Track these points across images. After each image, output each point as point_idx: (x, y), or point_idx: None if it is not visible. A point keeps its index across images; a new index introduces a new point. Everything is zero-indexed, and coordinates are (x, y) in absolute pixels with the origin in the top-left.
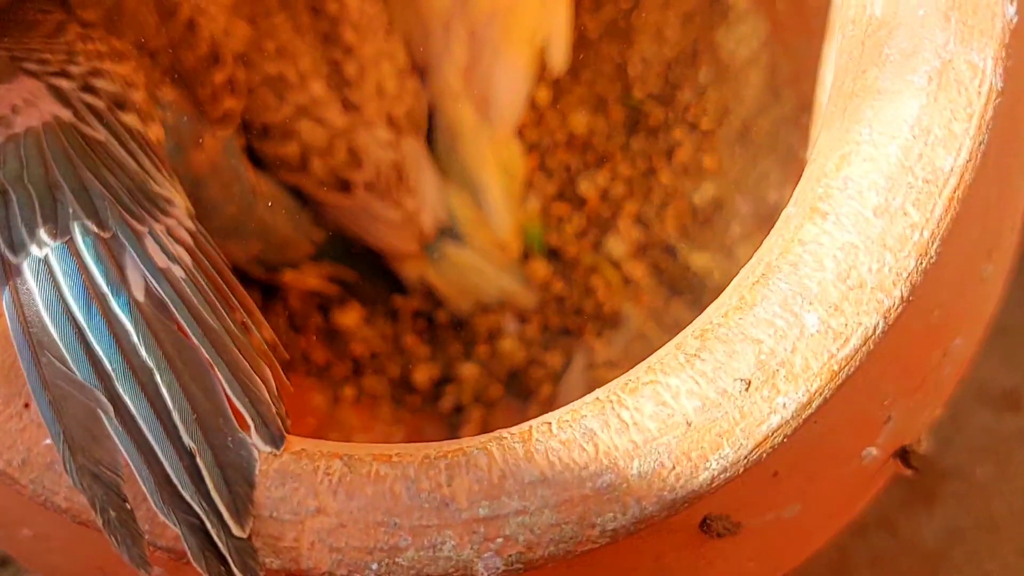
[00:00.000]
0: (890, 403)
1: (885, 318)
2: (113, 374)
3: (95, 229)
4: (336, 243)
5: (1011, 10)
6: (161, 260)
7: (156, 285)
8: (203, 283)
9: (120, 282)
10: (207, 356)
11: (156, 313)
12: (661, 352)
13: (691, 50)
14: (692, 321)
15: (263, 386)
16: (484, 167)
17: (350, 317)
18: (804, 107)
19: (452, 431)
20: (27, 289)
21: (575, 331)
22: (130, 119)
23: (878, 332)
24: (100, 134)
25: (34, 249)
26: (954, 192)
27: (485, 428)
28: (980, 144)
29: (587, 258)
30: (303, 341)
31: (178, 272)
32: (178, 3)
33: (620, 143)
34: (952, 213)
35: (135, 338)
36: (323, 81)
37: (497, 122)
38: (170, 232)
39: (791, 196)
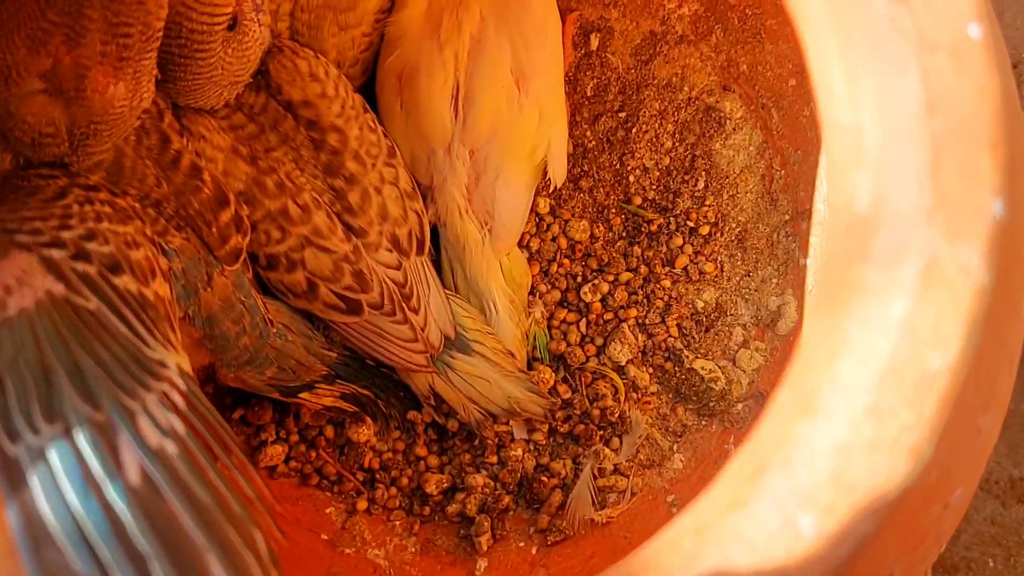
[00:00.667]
0: (892, 561)
1: (880, 523)
2: (112, 562)
3: (90, 412)
4: (349, 361)
5: (998, 206)
6: (154, 438)
7: (150, 466)
8: (196, 452)
9: (115, 468)
10: (200, 541)
11: (151, 496)
12: (657, 547)
13: (689, 158)
14: (698, 426)
15: (255, 563)
16: (490, 279)
17: (363, 434)
18: (801, 214)
19: (464, 540)
20: (24, 479)
21: (583, 437)
22: (124, 281)
23: (872, 538)
24: (92, 303)
25: (30, 438)
26: (946, 391)
27: (497, 537)
28: (972, 343)
29: (592, 364)
30: (315, 455)
31: (171, 448)
32: (180, 151)
33: (621, 250)
34: (946, 412)
35: (132, 526)
36: (324, 211)
37: (501, 235)
38: (162, 401)
39: (794, 316)
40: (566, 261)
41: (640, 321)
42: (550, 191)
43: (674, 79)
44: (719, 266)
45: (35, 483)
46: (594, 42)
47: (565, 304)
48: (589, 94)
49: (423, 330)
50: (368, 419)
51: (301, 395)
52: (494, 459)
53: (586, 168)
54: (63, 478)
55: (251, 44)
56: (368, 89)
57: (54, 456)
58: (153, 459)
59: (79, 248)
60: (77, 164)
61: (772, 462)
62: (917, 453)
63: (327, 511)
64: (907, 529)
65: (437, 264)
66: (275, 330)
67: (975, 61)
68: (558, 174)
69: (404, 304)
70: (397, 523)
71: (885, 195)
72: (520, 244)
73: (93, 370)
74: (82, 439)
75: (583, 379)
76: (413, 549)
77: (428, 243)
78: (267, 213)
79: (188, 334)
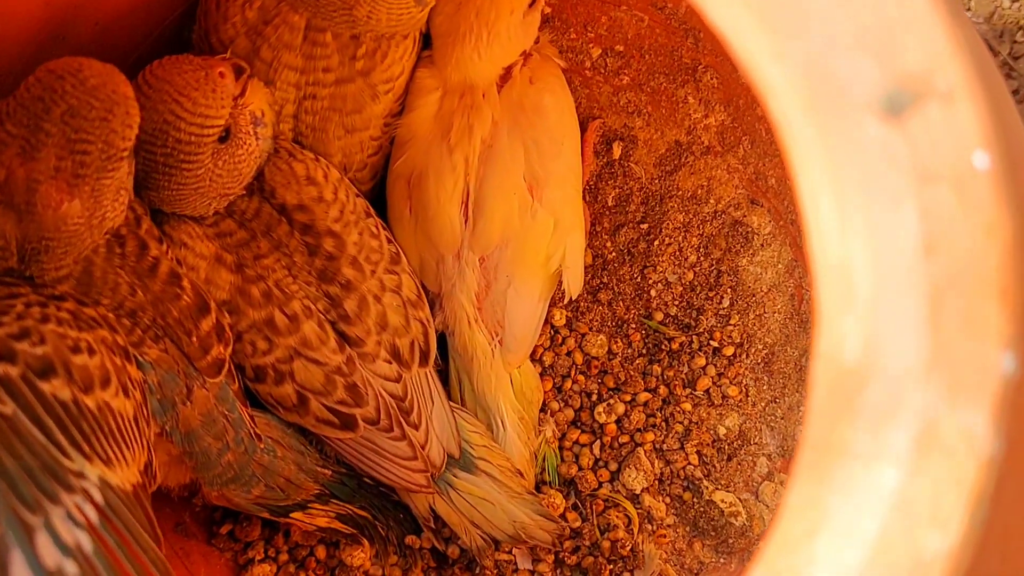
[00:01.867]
0: None
1: None
2: None
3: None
4: (345, 479)
5: (1008, 362)
6: (52, 558)
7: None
8: (103, 573)
9: None
10: None
11: None
12: None
13: (714, 274)
14: (715, 564)
15: None
16: (499, 394)
17: (358, 557)
18: None
19: None
20: None
21: (591, 571)
22: (53, 387)
23: None
24: (8, 407)
25: None
26: None
27: None
28: (977, 524)
29: (605, 491)
30: None
31: (71, 569)
32: (158, 259)
33: (640, 368)
34: None
35: None
36: (316, 320)
37: (512, 346)
38: (71, 514)
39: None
40: (581, 378)
41: (657, 446)
42: (566, 303)
43: (699, 191)
44: (743, 390)
45: None
46: (617, 151)
47: (578, 424)
48: (610, 204)
49: (424, 447)
50: (365, 542)
51: (293, 515)
52: None
53: (605, 280)
54: None
55: (244, 157)
56: (380, 192)
57: None
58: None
59: (5, 348)
60: (38, 278)
61: None
62: None
63: None
64: None
65: (445, 374)
66: (263, 446)
67: (982, 194)
68: (573, 285)
69: (403, 419)
70: None
71: (877, 344)
72: (533, 357)
73: (17, 470)
74: None
75: (594, 507)
76: None
77: (433, 354)
78: (252, 323)
79: (167, 450)
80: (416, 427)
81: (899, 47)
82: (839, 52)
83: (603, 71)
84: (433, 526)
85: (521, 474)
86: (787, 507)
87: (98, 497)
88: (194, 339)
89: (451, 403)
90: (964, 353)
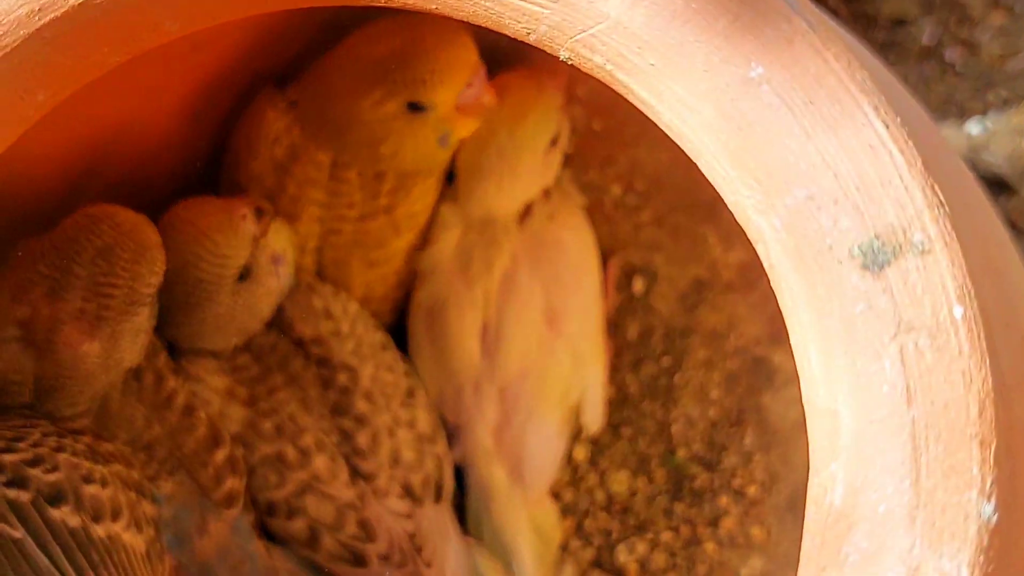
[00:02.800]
0: None
1: None
2: None
3: None
4: None
5: (988, 509)
6: None
7: None
8: None
9: None
10: None
11: None
12: None
13: (736, 412)
14: None
15: None
16: (517, 531)
17: None
18: None
19: None
20: None
21: None
22: (62, 514)
23: None
24: (17, 532)
25: None
26: None
27: None
28: None
29: None
30: None
31: None
32: (175, 391)
33: (663, 507)
34: None
35: None
36: (328, 454)
37: (531, 482)
38: None
39: None
40: (603, 515)
41: None
42: (586, 437)
43: (721, 327)
44: (767, 531)
45: None
46: (638, 286)
47: (599, 564)
48: (632, 339)
49: None
50: None
51: None
52: None
53: (628, 416)
54: None
55: (263, 296)
56: (401, 325)
57: None
58: None
59: (17, 472)
60: (54, 413)
61: None
62: None
63: None
64: None
65: (463, 509)
66: None
67: (958, 343)
68: (593, 421)
69: (415, 557)
70: None
71: (861, 490)
72: (553, 493)
73: None
74: None
75: None
76: None
77: (449, 489)
78: (264, 457)
79: None
80: (429, 565)
81: (877, 204)
82: (821, 208)
83: (623, 208)
84: None
85: None
86: None
87: None
88: (209, 470)
89: (469, 538)
90: (944, 498)
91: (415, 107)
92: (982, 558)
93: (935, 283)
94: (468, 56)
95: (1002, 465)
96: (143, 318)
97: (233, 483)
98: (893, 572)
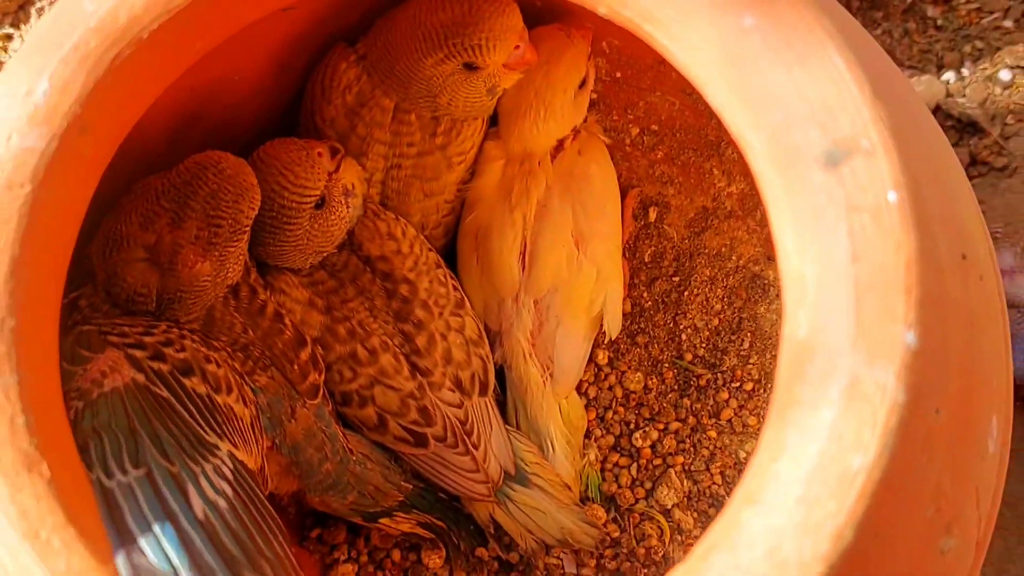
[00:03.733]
0: None
1: None
2: (183, 568)
3: (166, 464)
4: (424, 493)
5: (910, 337)
6: (211, 493)
7: (209, 512)
8: (240, 512)
9: (187, 505)
10: (243, 563)
11: (212, 529)
12: None
13: (736, 321)
14: None
15: None
16: (549, 419)
17: (435, 560)
18: None
19: None
20: (116, 504)
21: (628, 574)
22: (192, 383)
23: None
24: (164, 392)
25: (121, 477)
26: (864, 486)
27: None
28: (886, 447)
29: (641, 506)
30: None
31: (222, 503)
32: (265, 302)
33: (672, 402)
34: (864, 503)
35: (199, 546)
36: (391, 353)
37: (560, 380)
38: (217, 470)
39: None
40: (621, 409)
41: (687, 468)
42: (607, 344)
43: (723, 249)
44: (761, 420)
45: (125, 508)
46: (652, 215)
47: (618, 448)
48: (647, 260)
49: (483, 462)
50: (443, 547)
51: (381, 520)
52: None
53: (643, 326)
54: (146, 507)
55: (336, 222)
56: (451, 248)
57: (139, 491)
58: (211, 507)
59: (156, 351)
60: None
61: (720, 543)
62: (839, 537)
63: None
64: None
65: (503, 403)
66: (355, 457)
67: (892, 220)
68: (612, 327)
69: (466, 438)
70: None
71: (819, 327)
72: (579, 391)
73: (167, 438)
74: (160, 482)
75: (631, 519)
76: None
77: (492, 385)
78: (339, 356)
79: (277, 461)
80: (476, 447)
81: (836, 120)
82: (795, 124)
83: (641, 147)
84: (493, 532)
85: (569, 488)
86: (759, 445)
87: (229, 464)
88: (295, 367)
89: (508, 427)
90: (879, 331)
91: (470, 67)
92: (905, 371)
93: (876, 177)
94: (516, 23)
95: (923, 307)
96: (243, 244)
97: (315, 377)
98: (840, 382)
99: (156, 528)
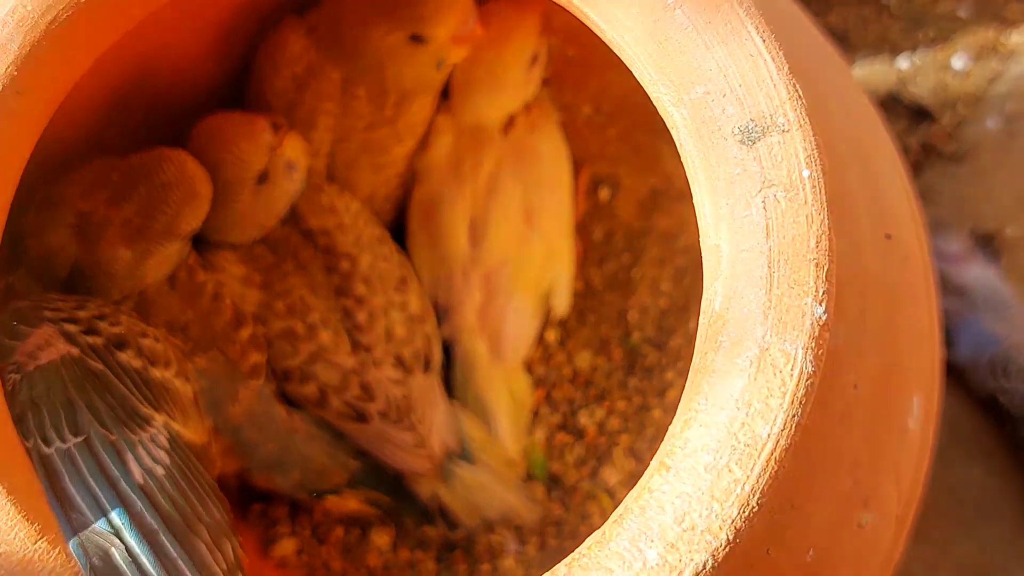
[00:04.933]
0: None
1: (713, 556)
2: (122, 527)
3: (104, 432)
4: (370, 471)
5: (819, 310)
6: (148, 461)
7: (147, 478)
8: (179, 478)
9: (126, 470)
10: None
11: (152, 493)
12: None
13: (683, 301)
14: None
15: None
16: (496, 397)
17: (383, 538)
18: None
19: None
20: (55, 470)
21: (570, 551)
22: (127, 357)
23: (707, 568)
24: (99, 365)
25: (59, 444)
26: (771, 454)
27: None
28: (794, 416)
29: (585, 486)
30: (324, 551)
31: (159, 470)
32: (204, 282)
33: (619, 381)
34: (771, 471)
35: (140, 508)
36: (332, 329)
37: (508, 356)
38: (153, 439)
39: None
40: (568, 387)
41: (631, 447)
42: (558, 323)
43: (673, 230)
44: None
45: (63, 472)
46: (603, 193)
47: (564, 427)
48: (597, 239)
49: (427, 438)
50: (392, 525)
51: (329, 497)
52: (488, 568)
53: (592, 304)
54: (86, 471)
55: (279, 197)
56: (400, 223)
57: (78, 457)
58: (149, 473)
59: (89, 325)
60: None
61: (632, 509)
62: (745, 503)
63: None
64: (741, 566)
65: (451, 379)
66: (299, 436)
67: (804, 195)
68: (560, 305)
69: (409, 414)
70: None
71: (732, 298)
72: (528, 369)
73: (104, 408)
74: (99, 448)
75: (575, 498)
76: None
77: (436, 362)
78: (278, 332)
79: (220, 442)
80: (419, 423)
81: (753, 97)
82: (714, 100)
83: (592, 126)
84: (436, 509)
85: (513, 464)
86: (678, 412)
87: (164, 435)
88: (236, 347)
89: (454, 403)
90: (789, 303)
91: (417, 39)
92: (814, 343)
93: (790, 153)
94: None
95: (831, 281)
96: (172, 251)
97: (256, 357)
98: (750, 352)
99: (97, 491)
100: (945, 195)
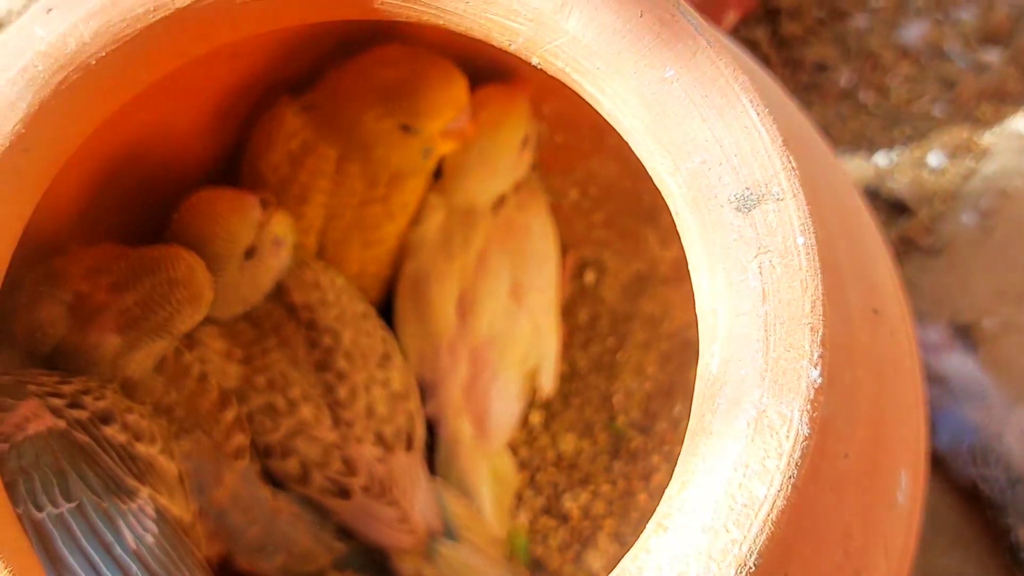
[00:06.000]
0: None
1: None
2: None
3: (96, 500)
4: (355, 554)
5: (815, 373)
6: (138, 529)
7: (139, 544)
8: (168, 548)
9: (119, 536)
10: None
11: (146, 560)
12: None
13: (668, 385)
14: None
15: None
16: (479, 478)
17: None
18: None
19: None
20: (47, 533)
21: None
22: (112, 431)
23: None
24: (85, 438)
25: (52, 509)
26: (768, 515)
27: None
28: (790, 477)
29: (569, 570)
30: None
31: (149, 539)
32: (190, 363)
33: (603, 465)
34: (768, 532)
35: (136, 571)
36: (313, 403)
37: (492, 435)
38: (141, 510)
39: None
40: (552, 470)
41: (615, 531)
42: (542, 405)
43: (658, 314)
44: None
45: (56, 536)
46: (589, 277)
47: (548, 511)
48: (582, 322)
49: (410, 514)
50: None
51: None
52: None
53: (576, 387)
54: (80, 536)
55: (265, 272)
56: (388, 302)
57: (71, 522)
58: (140, 539)
59: (74, 399)
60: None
61: (629, 568)
62: (742, 564)
63: None
64: None
65: (435, 458)
66: (283, 518)
67: (799, 261)
68: (546, 384)
69: (391, 489)
70: None
71: (730, 361)
72: (512, 451)
73: (93, 477)
74: (92, 514)
75: None
76: None
77: (418, 441)
78: (258, 407)
79: (204, 525)
80: (402, 498)
81: (748, 166)
82: (711, 169)
83: (579, 210)
84: None
85: (497, 542)
86: (675, 474)
87: (150, 508)
88: (221, 427)
89: (438, 480)
90: (785, 365)
91: (407, 128)
92: (809, 405)
93: (785, 221)
94: (459, 96)
95: (826, 345)
96: (159, 347)
97: (241, 438)
98: (747, 413)
99: (92, 554)
100: (924, 287)
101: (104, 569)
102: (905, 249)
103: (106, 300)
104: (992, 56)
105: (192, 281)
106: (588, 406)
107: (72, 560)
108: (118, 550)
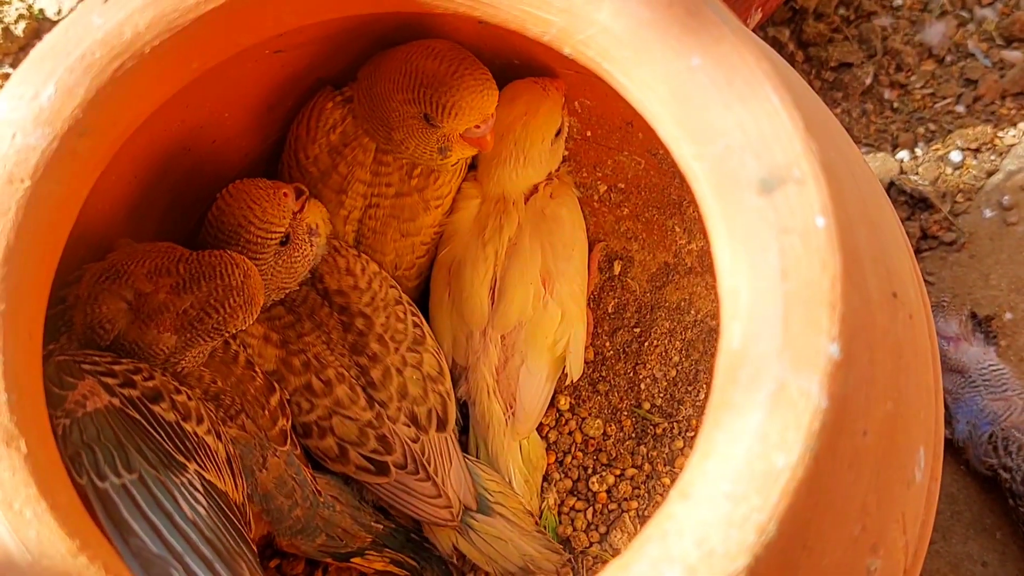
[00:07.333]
0: None
1: None
2: (183, 552)
3: (153, 471)
4: (395, 533)
5: (833, 348)
6: (192, 500)
7: (195, 513)
8: (217, 519)
9: (177, 505)
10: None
11: (202, 527)
12: None
13: (692, 372)
14: None
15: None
16: (509, 458)
17: None
18: None
19: None
20: (111, 501)
21: None
22: (161, 409)
23: None
24: (136, 414)
25: (114, 479)
26: (788, 484)
27: None
28: (808, 448)
29: (595, 550)
30: None
31: (201, 510)
32: (237, 352)
33: (629, 449)
34: (787, 500)
35: (196, 539)
36: (347, 384)
37: (522, 418)
38: (191, 483)
39: None
40: (579, 454)
41: (640, 513)
42: (569, 389)
43: (683, 303)
44: None
45: (120, 504)
46: (617, 268)
47: (575, 492)
48: (610, 311)
49: (445, 488)
50: None
51: (353, 560)
52: None
53: (604, 374)
54: (143, 503)
55: (300, 259)
56: (425, 289)
57: (134, 491)
58: (194, 510)
59: (126, 378)
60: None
61: (653, 534)
62: (762, 529)
63: None
64: None
65: (466, 438)
66: (324, 500)
67: (819, 242)
68: (574, 369)
69: (426, 466)
70: None
71: (751, 337)
72: (540, 434)
73: (149, 451)
74: (152, 484)
75: (585, 562)
76: None
77: (450, 421)
78: (295, 388)
79: (249, 509)
80: (435, 474)
81: (770, 151)
82: (734, 154)
83: (608, 203)
84: (456, 561)
85: (531, 514)
86: (696, 445)
87: (197, 482)
88: (266, 412)
89: (470, 457)
90: (805, 341)
91: (428, 119)
92: (828, 380)
93: (806, 202)
94: (487, 105)
95: (847, 324)
96: (211, 346)
97: (284, 423)
98: (767, 387)
99: (156, 521)
100: (945, 280)
101: (167, 535)
102: (927, 243)
103: (166, 301)
104: (1015, 55)
105: (246, 287)
106: (615, 392)
107: (136, 526)
108: (177, 518)
